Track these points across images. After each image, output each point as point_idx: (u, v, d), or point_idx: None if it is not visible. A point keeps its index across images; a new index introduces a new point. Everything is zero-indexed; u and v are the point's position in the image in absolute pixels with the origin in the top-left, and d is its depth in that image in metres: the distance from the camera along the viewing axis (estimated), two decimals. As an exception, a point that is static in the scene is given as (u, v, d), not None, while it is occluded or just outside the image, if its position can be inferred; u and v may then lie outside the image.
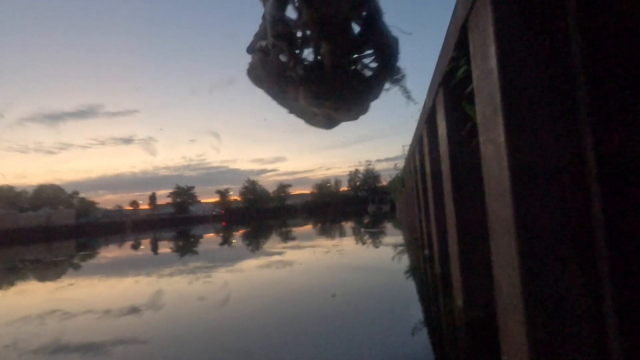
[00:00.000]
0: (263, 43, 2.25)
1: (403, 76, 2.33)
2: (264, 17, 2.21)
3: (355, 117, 2.37)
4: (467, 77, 3.20)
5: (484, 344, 2.92)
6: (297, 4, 1.68)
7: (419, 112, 6.81)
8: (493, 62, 2.11)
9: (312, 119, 2.32)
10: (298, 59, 1.77)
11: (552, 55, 2.00)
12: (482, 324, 3.29)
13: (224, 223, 40.93)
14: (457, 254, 4.01)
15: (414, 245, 9.52)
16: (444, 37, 3.63)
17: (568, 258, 1.92)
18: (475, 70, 2.50)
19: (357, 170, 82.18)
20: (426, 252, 7.49)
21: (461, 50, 3.03)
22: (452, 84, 3.47)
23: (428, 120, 5.43)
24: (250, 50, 2.33)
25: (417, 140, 7.37)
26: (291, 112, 2.35)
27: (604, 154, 1.81)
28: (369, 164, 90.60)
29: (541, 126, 1.99)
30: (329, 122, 2.44)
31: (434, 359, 2.78)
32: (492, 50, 2.10)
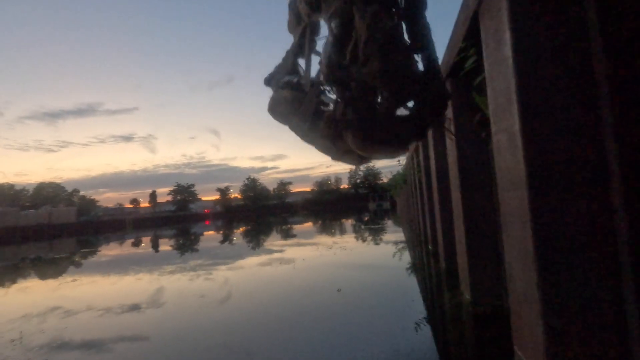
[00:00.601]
0: (294, 79, 2.14)
1: (449, 120, 2.23)
2: (294, 52, 2.12)
3: (393, 157, 2.35)
4: (476, 69, 3.16)
5: (493, 337, 2.88)
6: (361, 51, 1.63)
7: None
8: (507, 49, 2.07)
9: (341, 157, 2.27)
10: (349, 103, 1.73)
11: (569, 41, 1.96)
12: (490, 317, 3.27)
13: (207, 222, 41.12)
14: (465, 248, 3.98)
15: (416, 240, 9.50)
16: (451, 28, 3.59)
17: (586, 247, 1.89)
18: (487, 59, 2.45)
19: (357, 168, 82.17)
20: (430, 247, 7.47)
21: (470, 40, 2.99)
22: (461, 75, 3.43)
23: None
24: (271, 84, 2.22)
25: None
26: (317, 148, 2.29)
27: (625, 143, 1.78)
28: (369, 162, 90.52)
29: (558, 114, 1.95)
30: (362, 160, 2.37)
31: (441, 352, 2.75)
32: (507, 36, 2.06)
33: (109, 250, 11.77)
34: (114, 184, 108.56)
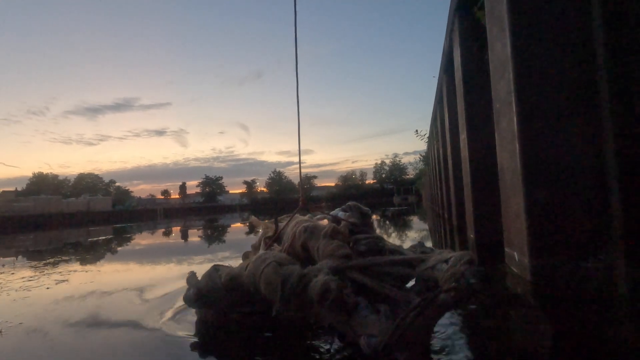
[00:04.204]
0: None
1: None
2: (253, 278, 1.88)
3: None
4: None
5: (489, 254, 3.46)
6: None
7: (438, 83, 6.69)
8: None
9: None
10: None
11: None
12: (487, 246, 3.68)
13: None
14: (470, 195, 3.99)
15: (436, 220, 9.39)
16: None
17: (570, 119, 1.87)
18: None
19: (383, 163, 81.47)
20: (445, 214, 7.49)
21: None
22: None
23: (447, 68, 5.33)
24: (198, 304, 2.04)
25: (438, 100, 7.24)
26: None
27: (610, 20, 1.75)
28: (396, 157, 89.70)
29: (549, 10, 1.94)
30: None
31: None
32: None
33: (142, 239, 12.16)
34: (147, 176, 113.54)
